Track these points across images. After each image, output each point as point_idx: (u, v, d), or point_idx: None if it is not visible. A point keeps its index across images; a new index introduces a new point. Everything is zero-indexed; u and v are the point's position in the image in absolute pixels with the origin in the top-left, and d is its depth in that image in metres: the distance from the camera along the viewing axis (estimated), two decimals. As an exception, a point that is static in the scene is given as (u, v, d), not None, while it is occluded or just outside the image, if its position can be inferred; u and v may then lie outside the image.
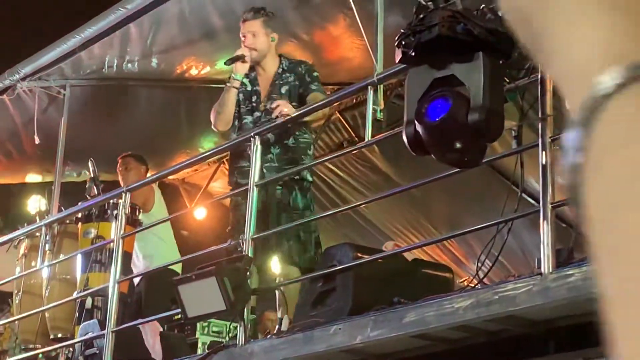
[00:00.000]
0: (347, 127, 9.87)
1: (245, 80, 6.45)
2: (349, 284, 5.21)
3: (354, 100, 9.24)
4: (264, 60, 6.44)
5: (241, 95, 6.44)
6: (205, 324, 8.58)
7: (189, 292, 5.70)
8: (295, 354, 5.20)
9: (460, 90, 4.09)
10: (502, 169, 8.92)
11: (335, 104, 9.61)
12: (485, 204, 8.94)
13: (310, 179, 6.32)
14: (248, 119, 6.38)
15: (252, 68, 6.46)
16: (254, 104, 6.41)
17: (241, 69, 6.36)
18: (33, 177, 10.57)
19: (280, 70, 6.43)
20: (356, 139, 9.51)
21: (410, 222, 10.61)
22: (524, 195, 7.00)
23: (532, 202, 6.51)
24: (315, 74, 6.41)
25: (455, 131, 4.04)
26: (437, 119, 4.03)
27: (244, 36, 6.37)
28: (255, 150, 5.98)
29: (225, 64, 6.47)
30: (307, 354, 5.13)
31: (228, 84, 6.44)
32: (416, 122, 4.11)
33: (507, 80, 4.59)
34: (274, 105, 6.11)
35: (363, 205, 9.46)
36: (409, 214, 10.44)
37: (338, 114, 9.93)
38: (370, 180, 10.18)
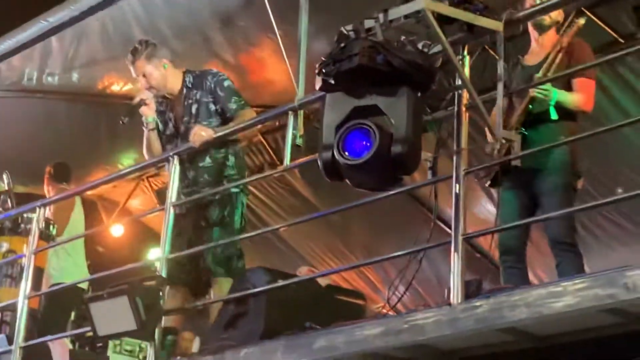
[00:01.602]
0: (269, 149, 9.89)
1: (156, 118, 6.33)
2: (262, 307, 5.20)
3: (277, 124, 9.26)
4: (166, 88, 6.30)
5: (160, 127, 6.37)
6: (118, 342, 8.51)
7: (100, 310, 5.62)
8: (205, 377, 5.17)
9: (379, 121, 4.13)
10: (421, 197, 9.03)
11: (258, 127, 9.66)
12: (404, 231, 9.03)
13: (235, 190, 6.20)
14: (169, 148, 6.29)
15: (163, 97, 6.36)
16: (172, 131, 6.34)
17: (148, 111, 6.26)
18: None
19: (185, 90, 6.29)
20: (277, 162, 9.53)
21: (329, 246, 10.67)
22: (442, 225, 7.12)
23: (450, 231, 6.58)
24: (226, 83, 6.23)
25: (375, 164, 4.08)
26: (361, 158, 4.08)
27: (138, 77, 6.28)
28: (174, 171, 5.94)
29: (123, 122, 6.26)
30: (216, 377, 5.11)
31: (144, 128, 6.35)
32: (335, 153, 4.14)
33: (426, 112, 4.65)
34: (190, 139, 6.04)
35: (283, 230, 9.48)
36: (327, 238, 10.49)
37: (260, 137, 9.95)
38: (290, 203, 10.21)
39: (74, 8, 7.34)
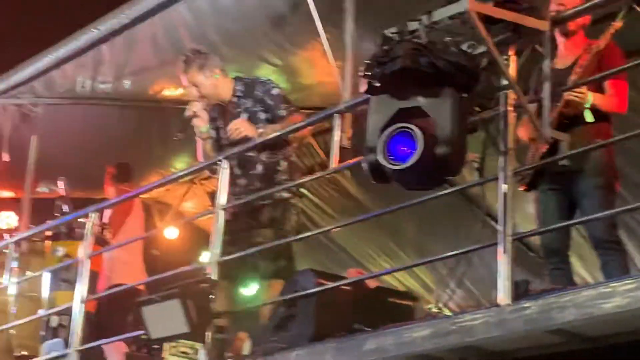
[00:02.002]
0: (320, 151, 9.92)
1: (209, 128, 6.40)
2: (311, 310, 5.24)
3: (327, 125, 9.28)
4: (217, 96, 6.38)
5: (213, 134, 6.44)
6: (173, 344, 8.58)
7: (153, 313, 5.70)
8: (256, 379, 5.22)
9: (423, 123, 4.13)
10: (473, 196, 8.99)
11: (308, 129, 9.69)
12: (456, 229, 9.01)
13: (286, 194, 6.24)
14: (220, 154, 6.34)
15: (215, 104, 6.42)
16: (224, 138, 6.41)
17: (201, 122, 6.34)
18: (5, 193, 10.55)
19: (235, 98, 6.38)
20: (328, 163, 9.54)
21: (380, 246, 10.66)
22: (494, 224, 7.09)
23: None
24: (274, 91, 6.30)
25: (420, 167, 4.09)
26: (405, 162, 4.09)
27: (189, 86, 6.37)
28: (223, 175, 5.99)
29: (178, 137, 6.40)
30: (267, 379, 5.16)
31: (197, 138, 6.43)
32: (379, 157, 4.15)
33: (473, 113, 4.65)
34: (230, 128, 6.12)
35: (334, 230, 9.51)
36: (379, 238, 10.48)
37: (311, 138, 9.98)
38: (341, 204, 10.23)
39: (124, 16, 7.43)
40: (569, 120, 5.30)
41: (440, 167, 4.14)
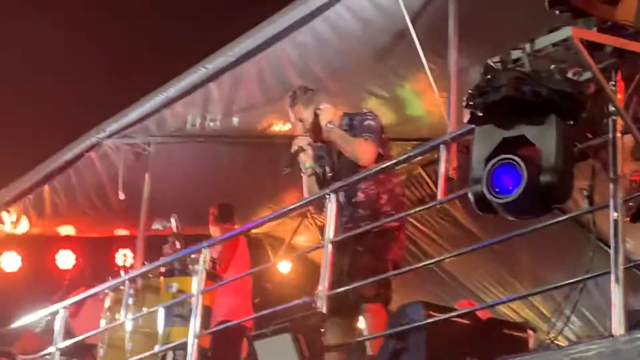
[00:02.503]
0: (429, 181, 9.88)
1: (314, 164, 6.48)
2: (422, 343, 5.20)
3: (435, 156, 9.25)
4: (322, 133, 6.41)
5: (319, 171, 6.52)
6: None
7: (264, 347, 5.74)
8: (368, 412, 5.20)
9: (528, 152, 4.09)
10: (587, 224, 8.81)
11: (417, 159, 9.68)
12: (571, 257, 8.83)
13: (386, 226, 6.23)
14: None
15: (322, 142, 6.47)
16: (330, 175, 6.48)
17: (306, 157, 6.43)
18: (120, 231, 10.81)
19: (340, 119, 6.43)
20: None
21: (494, 276, 10.54)
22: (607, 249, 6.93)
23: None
24: (366, 122, 6.31)
25: (526, 197, 4.05)
26: (510, 195, 4.06)
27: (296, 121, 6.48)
28: (331, 208, 6.01)
29: (286, 172, 6.47)
30: (379, 412, 5.13)
31: (302, 174, 6.52)
32: (484, 190, 4.13)
33: (580, 140, 4.58)
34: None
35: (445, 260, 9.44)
36: (491, 268, 10.37)
37: (420, 169, 9.97)
38: (452, 234, 10.16)
39: (231, 54, 7.56)
40: None
41: (545, 196, 4.09)
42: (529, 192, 4.05)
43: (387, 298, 6.09)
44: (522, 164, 4.07)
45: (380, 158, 6.21)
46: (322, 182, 6.49)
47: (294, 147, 6.46)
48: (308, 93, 6.46)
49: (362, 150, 6.18)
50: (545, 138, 4.11)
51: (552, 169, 4.04)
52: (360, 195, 6.31)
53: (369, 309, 6.09)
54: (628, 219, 5.30)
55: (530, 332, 6.73)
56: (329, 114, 6.33)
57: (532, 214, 4.32)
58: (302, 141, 6.43)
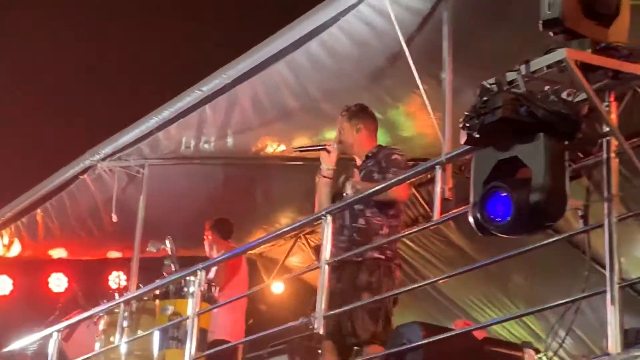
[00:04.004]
0: (423, 202, 9.90)
1: (331, 168, 6.55)
2: (419, 363, 5.23)
3: (429, 177, 9.28)
4: (352, 148, 6.61)
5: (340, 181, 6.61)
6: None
7: (262, 369, 5.76)
8: None
9: (523, 173, 4.14)
10: (581, 245, 8.84)
11: (412, 180, 9.70)
12: (565, 277, 8.85)
13: (380, 256, 6.32)
14: None
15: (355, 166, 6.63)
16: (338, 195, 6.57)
17: (327, 158, 6.52)
18: (114, 254, 10.80)
19: (366, 158, 6.56)
20: (431, 214, 9.51)
21: (487, 296, 10.55)
22: (602, 270, 6.97)
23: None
24: (393, 156, 6.45)
25: (518, 220, 4.09)
26: (503, 221, 4.12)
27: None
28: (327, 230, 6.03)
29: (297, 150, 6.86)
30: None
31: (317, 177, 6.60)
32: (479, 217, 4.19)
33: (575, 160, 4.62)
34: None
35: (440, 281, 9.45)
36: (486, 289, 10.38)
37: (414, 190, 9.98)
38: (447, 255, 10.17)
39: (226, 76, 7.58)
40: None
41: (537, 215, 4.15)
42: (521, 213, 4.10)
43: (385, 339, 6.04)
44: (509, 189, 4.12)
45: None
46: (335, 193, 6.53)
47: (324, 143, 6.62)
48: (355, 109, 6.66)
49: (398, 190, 6.25)
50: (534, 157, 4.17)
51: (542, 187, 4.10)
52: (361, 222, 6.35)
53: (368, 351, 6.09)
54: None
55: (531, 352, 6.75)
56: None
57: (526, 233, 4.37)
58: (333, 144, 6.56)
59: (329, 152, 6.52)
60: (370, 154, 6.53)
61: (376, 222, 6.37)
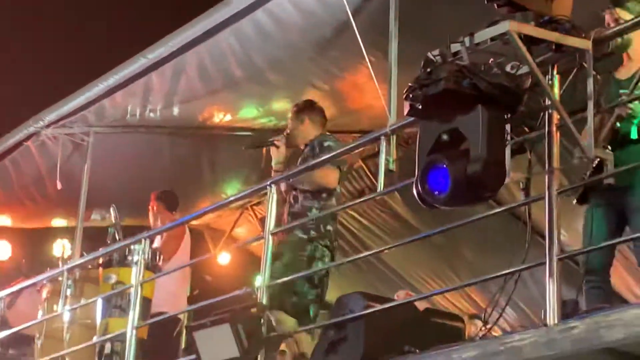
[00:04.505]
0: (369, 174, 9.93)
1: (281, 162, 6.79)
2: (360, 333, 5.25)
3: (376, 149, 9.30)
4: (295, 138, 6.84)
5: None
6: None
7: (204, 338, 5.75)
8: (307, 402, 5.24)
9: (458, 149, 4.17)
10: (524, 217, 8.91)
11: (358, 151, 9.72)
12: (509, 251, 8.92)
13: (303, 236, 6.46)
14: None
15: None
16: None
17: (276, 153, 6.79)
18: (58, 222, 10.70)
19: (304, 146, 6.80)
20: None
21: (434, 270, 10.62)
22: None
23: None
24: (326, 143, 6.62)
25: (457, 191, 4.13)
26: (442, 194, 4.16)
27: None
28: (271, 199, 6.05)
29: (245, 148, 7.14)
30: (318, 401, 5.17)
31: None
32: (420, 190, 4.22)
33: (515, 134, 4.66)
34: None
35: (385, 252, 9.49)
36: (432, 262, 10.45)
37: (361, 162, 10.01)
38: (392, 227, 10.22)
39: (172, 44, 7.51)
40: (622, 135, 5.22)
41: (473, 187, 4.17)
42: (458, 185, 4.13)
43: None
44: (447, 161, 4.14)
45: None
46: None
47: (272, 138, 6.84)
48: (306, 105, 6.94)
49: (324, 177, 6.46)
50: (473, 129, 4.20)
51: (478, 158, 4.13)
52: (296, 207, 6.58)
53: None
54: (575, 201, 5.39)
55: (478, 322, 6.82)
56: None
57: (465, 204, 4.41)
58: (280, 138, 6.81)
59: (277, 146, 6.76)
60: (308, 142, 6.74)
61: (305, 206, 6.56)
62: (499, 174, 4.23)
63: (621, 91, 5.27)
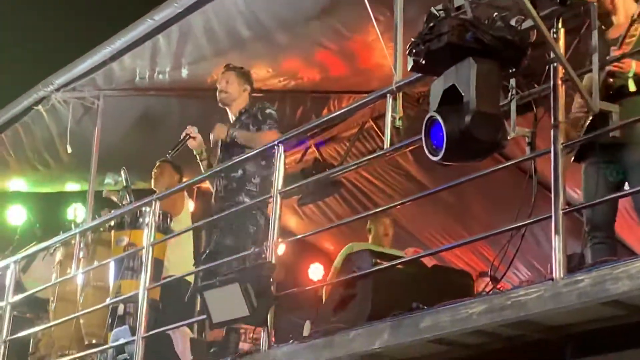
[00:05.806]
0: (380, 134, 9.91)
1: (204, 149, 7.22)
2: (369, 290, 5.27)
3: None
4: (232, 100, 7.13)
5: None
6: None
7: (214, 298, 5.78)
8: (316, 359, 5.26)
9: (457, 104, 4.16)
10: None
11: (369, 112, 9.69)
12: (520, 206, 8.90)
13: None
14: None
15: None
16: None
17: (195, 143, 7.19)
18: (72, 186, 10.75)
19: (239, 114, 7.07)
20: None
21: (445, 228, 10.64)
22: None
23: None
24: (267, 110, 6.91)
25: (455, 144, 4.12)
26: (439, 152, 4.19)
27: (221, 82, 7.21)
28: (279, 159, 6.04)
29: (170, 154, 7.24)
30: (327, 359, 5.19)
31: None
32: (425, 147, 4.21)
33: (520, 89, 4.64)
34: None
35: (396, 210, 9.49)
36: (443, 220, 10.47)
37: (372, 122, 9.99)
38: (405, 187, 10.22)
39: (178, 5, 7.50)
40: (616, 91, 5.19)
41: (467, 141, 4.15)
42: (452, 140, 4.12)
43: None
44: (442, 117, 4.12)
45: None
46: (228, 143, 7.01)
47: (183, 134, 7.16)
48: (244, 70, 7.20)
49: (269, 141, 6.47)
50: (466, 81, 4.17)
51: (469, 111, 4.10)
52: (239, 172, 6.84)
53: None
54: (572, 159, 5.37)
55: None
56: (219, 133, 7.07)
57: (463, 159, 4.38)
58: (192, 129, 7.17)
59: (194, 137, 7.16)
60: (243, 110, 7.04)
61: (249, 171, 6.81)
62: (492, 127, 4.18)
63: (612, 48, 5.24)
